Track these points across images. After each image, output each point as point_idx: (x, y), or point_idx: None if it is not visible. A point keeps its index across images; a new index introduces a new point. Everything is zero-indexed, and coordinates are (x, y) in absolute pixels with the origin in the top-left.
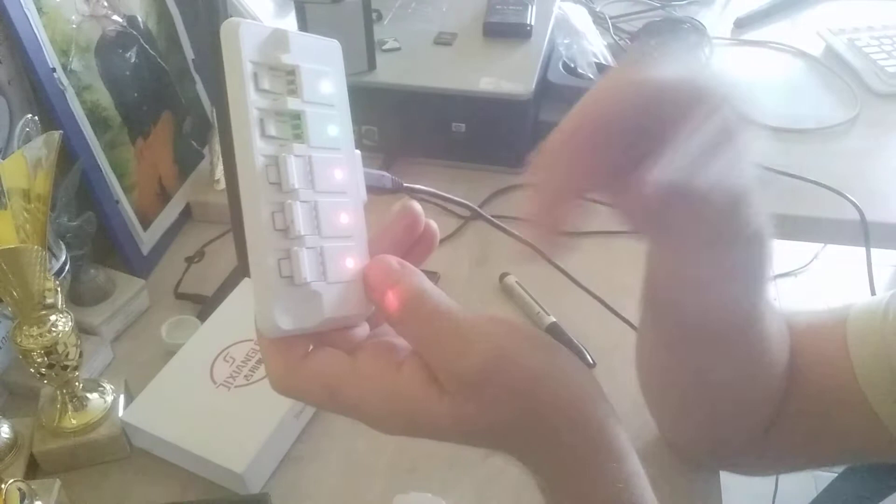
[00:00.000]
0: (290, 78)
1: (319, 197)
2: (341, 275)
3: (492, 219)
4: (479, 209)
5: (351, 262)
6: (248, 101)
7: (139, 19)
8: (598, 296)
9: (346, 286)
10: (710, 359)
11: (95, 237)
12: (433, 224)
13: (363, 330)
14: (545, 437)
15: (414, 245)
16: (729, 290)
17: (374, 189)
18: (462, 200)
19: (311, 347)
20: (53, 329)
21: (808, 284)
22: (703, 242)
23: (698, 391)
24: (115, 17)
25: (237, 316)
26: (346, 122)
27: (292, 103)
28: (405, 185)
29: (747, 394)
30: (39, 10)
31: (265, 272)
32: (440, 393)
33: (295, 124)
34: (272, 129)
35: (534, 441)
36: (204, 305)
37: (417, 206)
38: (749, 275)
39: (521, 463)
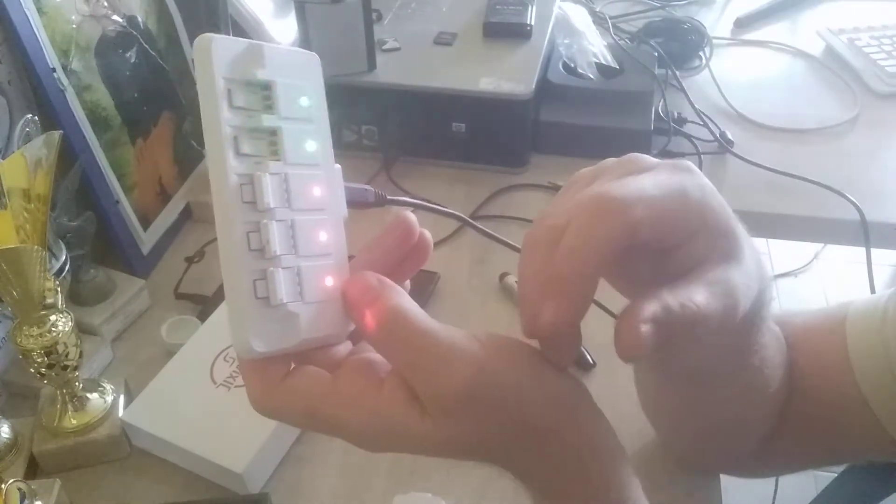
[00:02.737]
0: (266, 93)
1: (296, 215)
2: (319, 294)
3: (481, 227)
4: (468, 219)
5: (330, 281)
6: (221, 118)
7: (139, 19)
8: (598, 296)
9: (325, 305)
10: (705, 389)
11: (95, 237)
12: (427, 234)
13: (345, 347)
14: (532, 451)
15: (408, 255)
16: (728, 337)
17: (356, 203)
18: (451, 211)
19: (292, 367)
20: (53, 329)
21: (808, 284)
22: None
23: (694, 417)
24: (115, 17)
25: None
26: (325, 137)
27: (268, 120)
28: (389, 197)
29: (746, 415)
30: (39, 10)
31: (240, 293)
32: (422, 412)
33: (271, 141)
34: (247, 147)
35: (520, 455)
36: (204, 305)
37: (411, 216)
38: (749, 322)
39: (510, 475)
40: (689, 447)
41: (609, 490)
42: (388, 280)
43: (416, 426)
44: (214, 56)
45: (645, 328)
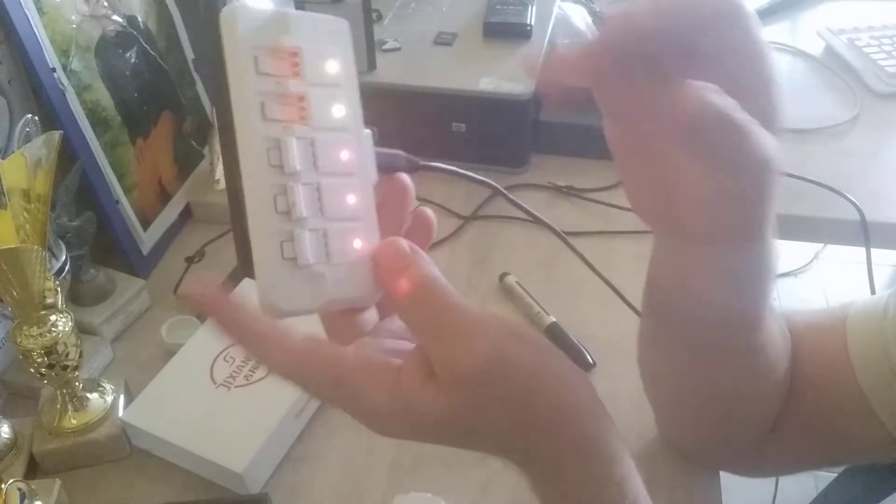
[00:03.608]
0: (293, 60)
1: (323, 178)
2: (347, 256)
3: (514, 199)
4: (500, 188)
5: (358, 243)
6: (248, 84)
7: (139, 19)
8: (598, 297)
9: (353, 267)
10: (709, 365)
11: (95, 237)
12: (428, 211)
13: (372, 315)
14: (535, 440)
15: (410, 230)
16: (730, 295)
17: (388, 168)
18: (484, 179)
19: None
20: (53, 329)
21: (808, 284)
22: (706, 237)
23: (696, 395)
24: (115, 17)
25: None
26: (354, 102)
27: (294, 85)
28: (422, 162)
29: (747, 398)
30: (39, 10)
31: (267, 255)
32: (436, 391)
33: (300, 106)
34: (274, 112)
35: (524, 443)
36: None
37: (406, 178)
38: (752, 279)
39: (511, 463)
40: (688, 432)
41: (609, 484)
42: (419, 248)
43: (429, 404)
44: (240, 25)
45: None
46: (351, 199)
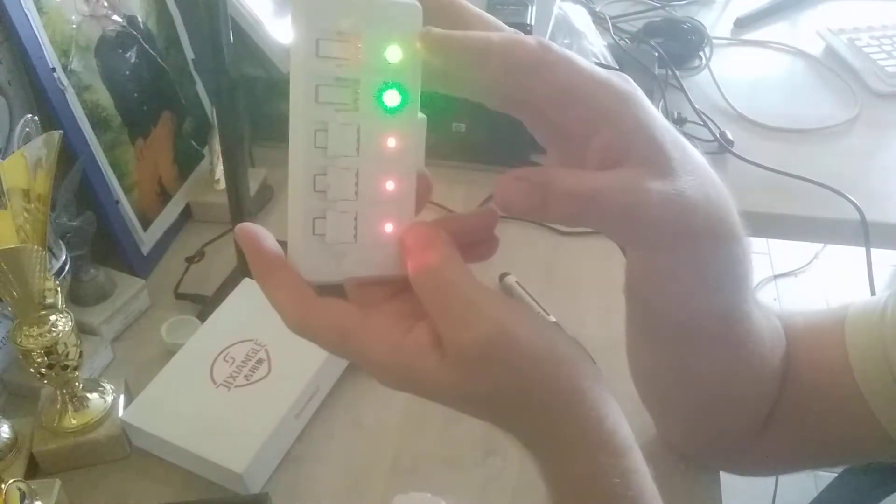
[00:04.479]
0: (356, 45)
1: (364, 164)
2: (375, 238)
3: None
4: None
5: (390, 227)
6: (306, 67)
7: (139, 19)
8: (598, 297)
9: (380, 248)
10: (690, 356)
11: (95, 237)
12: (498, 238)
13: (390, 287)
14: (536, 419)
15: (473, 246)
16: (703, 291)
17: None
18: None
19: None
20: (53, 329)
21: (808, 284)
22: (668, 245)
23: (682, 385)
24: (115, 17)
25: (237, 316)
26: (411, 89)
27: (351, 71)
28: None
29: (735, 391)
30: (39, 10)
31: (300, 227)
32: (441, 356)
33: (354, 91)
34: (327, 96)
35: (524, 421)
36: (204, 305)
37: (497, 216)
38: (723, 276)
39: (517, 441)
40: (682, 430)
41: (613, 475)
42: (444, 234)
43: (432, 366)
44: (307, 6)
45: (520, 183)
46: (390, 186)
